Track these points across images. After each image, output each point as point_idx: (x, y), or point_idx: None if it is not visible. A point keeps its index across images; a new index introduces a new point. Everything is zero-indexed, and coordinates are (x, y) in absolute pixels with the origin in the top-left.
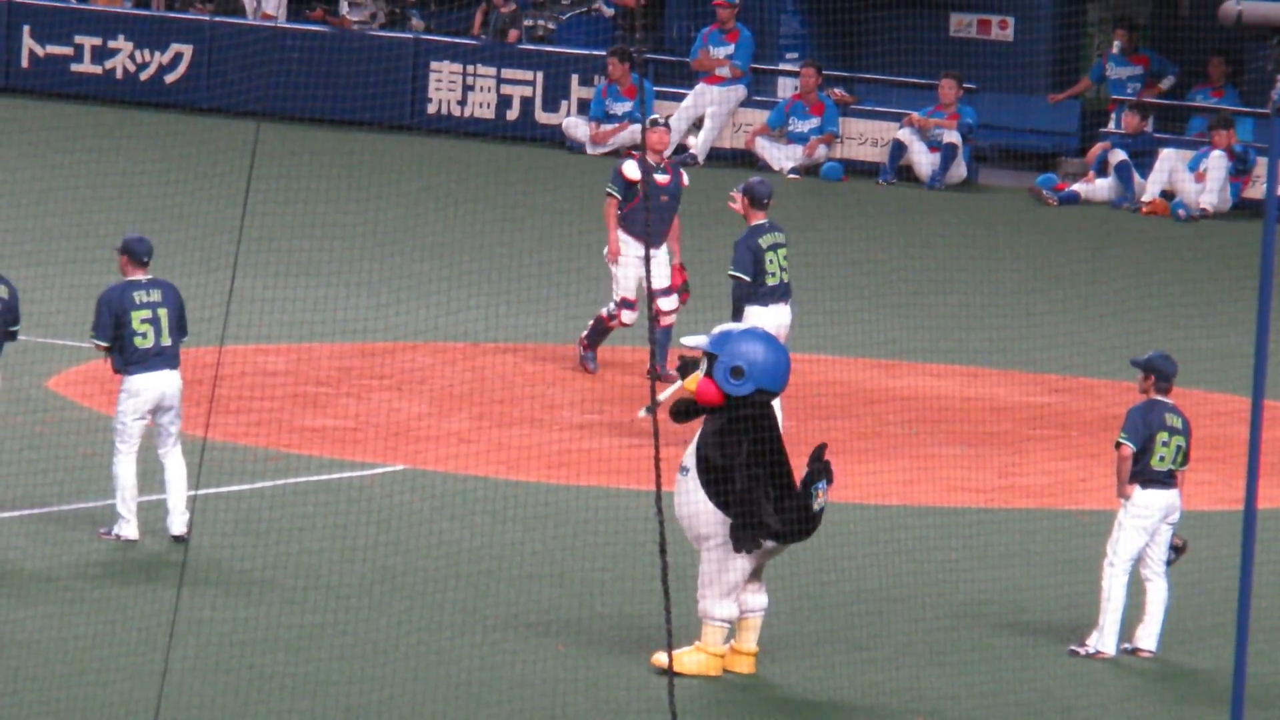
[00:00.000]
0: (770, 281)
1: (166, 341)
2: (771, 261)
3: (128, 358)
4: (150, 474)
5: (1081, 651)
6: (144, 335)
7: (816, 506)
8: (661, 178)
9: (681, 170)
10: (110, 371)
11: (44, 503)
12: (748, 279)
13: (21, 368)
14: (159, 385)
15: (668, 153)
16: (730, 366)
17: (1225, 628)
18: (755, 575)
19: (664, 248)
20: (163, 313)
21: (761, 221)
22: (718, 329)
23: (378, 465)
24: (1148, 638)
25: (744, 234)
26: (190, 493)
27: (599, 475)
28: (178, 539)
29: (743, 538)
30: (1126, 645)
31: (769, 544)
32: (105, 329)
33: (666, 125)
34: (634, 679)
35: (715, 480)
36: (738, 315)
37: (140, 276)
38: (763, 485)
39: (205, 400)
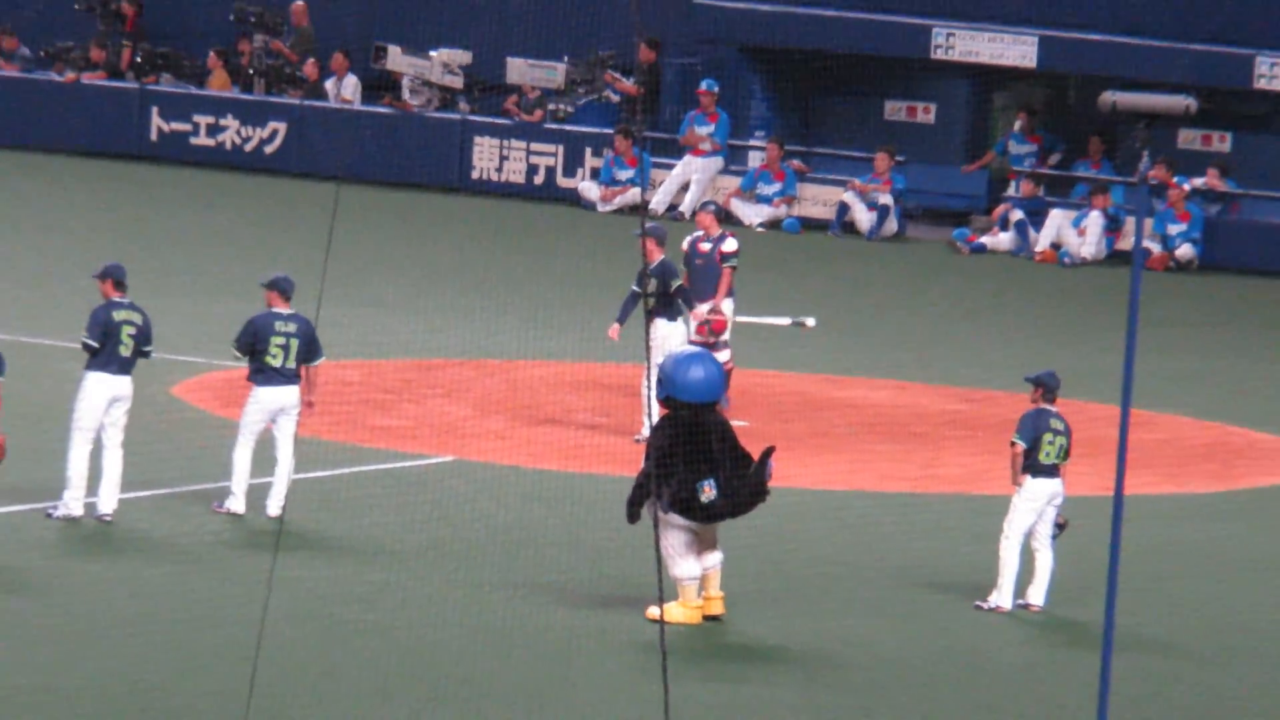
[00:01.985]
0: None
1: (291, 365)
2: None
3: (258, 369)
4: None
5: (985, 606)
6: (275, 356)
7: (704, 499)
8: (705, 246)
9: (727, 237)
10: (227, 379)
11: (168, 484)
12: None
13: (150, 378)
14: (279, 398)
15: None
16: (657, 379)
17: (1098, 588)
18: (710, 542)
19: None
20: (294, 342)
21: (663, 257)
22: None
23: (432, 456)
24: (1037, 595)
25: (657, 265)
26: (288, 480)
27: (606, 465)
28: (273, 516)
29: (627, 513)
30: (1020, 601)
31: (683, 521)
32: (243, 344)
33: (714, 209)
34: (633, 626)
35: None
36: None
37: (283, 309)
38: (673, 474)
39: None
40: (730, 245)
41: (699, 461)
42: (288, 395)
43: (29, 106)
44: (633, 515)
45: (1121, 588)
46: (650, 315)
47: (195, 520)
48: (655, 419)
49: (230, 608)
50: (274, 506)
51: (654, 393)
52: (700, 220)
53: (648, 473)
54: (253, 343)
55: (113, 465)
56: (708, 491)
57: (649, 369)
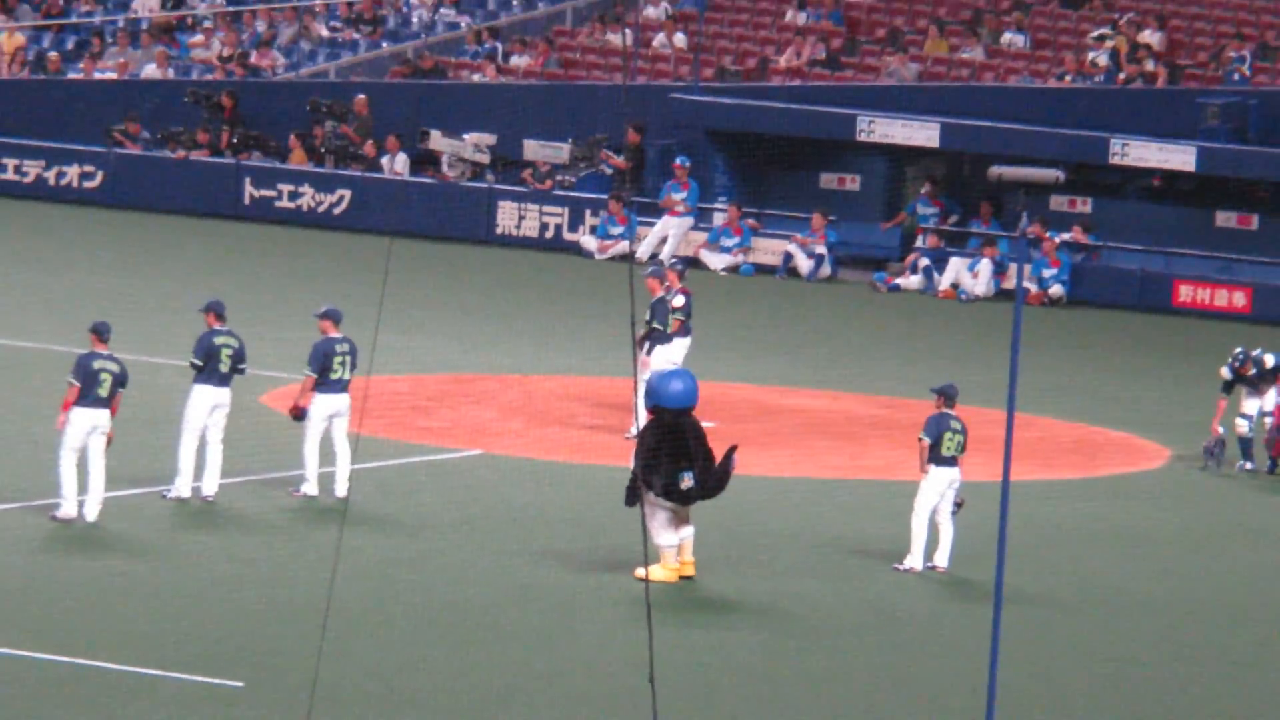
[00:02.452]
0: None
1: (347, 376)
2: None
3: (321, 382)
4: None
5: (900, 568)
6: (336, 370)
7: (683, 486)
8: (666, 297)
9: (679, 293)
10: (302, 391)
11: (257, 472)
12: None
13: (244, 389)
14: (335, 403)
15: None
16: (645, 391)
17: (990, 554)
18: (684, 519)
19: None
20: (348, 358)
21: (663, 294)
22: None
23: (464, 450)
24: (942, 559)
25: (657, 299)
26: (348, 468)
27: (604, 457)
28: (340, 498)
29: (626, 496)
30: (929, 564)
31: (667, 504)
32: (316, 364)
33: (679, 268)
34: (624, 584)
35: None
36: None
37: (335, 334)
38: (659, 467)
39: (358, 410)
40: (678, 301)
41: (679, 457)
42: (342, 401)
43: (148, 178)
44: (631, 500)
45: (1008, 554)
46: (642, 340)
47: (277, 501)
48: (643, 422)
49: (306, 570)
50: (341, 488)
51: (642, 400)
52: (668, 275)
53: (642, 467)
54: (323, 361)
55: (214, 457)
56: (686, 482)
57: (637, 382)
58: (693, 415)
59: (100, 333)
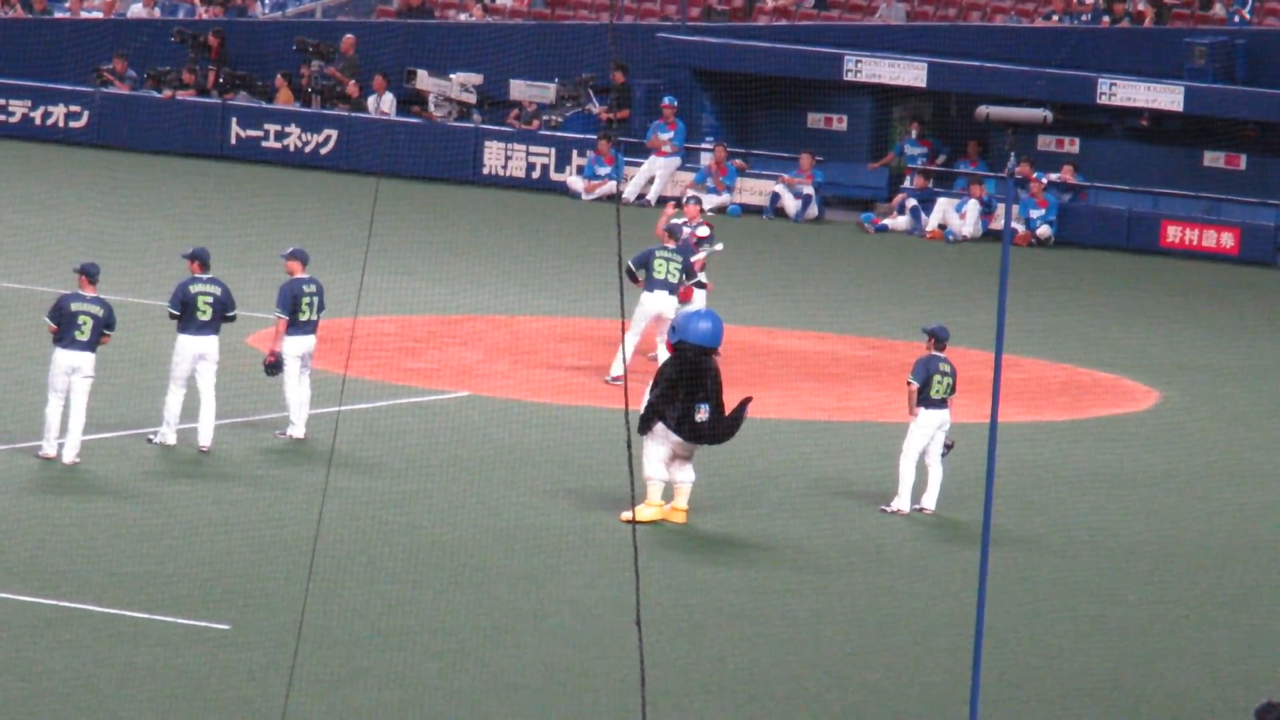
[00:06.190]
0: (656, 276)
1: (314, 318)
2: (659, 266)
3: (291, 324)
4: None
5: (888, 509)
6: (304, 312)
7: (698, 418)
8: (686, 230)
9: (700, 229)
10: (276, 335)
11: (244, 414)
12: (635, 269)
13: (231, 331)
14: (306, 344)
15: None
16: (670, 327)
17: (977, 496)
18: (686, 459)
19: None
20: (315, 300)
21: (667, 245)
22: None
23: (451, 392)
24: (929, 501)
25: (649, 249)
26: (335, 409)
27: (589, 399)
28: (297, 439)
29: (640, 425)
30: (916, 506)
31: (675, 438)
32: (285, 305)
33: (697, 200)
34: (610, 525)
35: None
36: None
37: (303, 275)
38: (675, 399)
39: (345, 351)
40: (703, 231)
41: (697, 391)
42: (310, 342)
43: (135, 117)
44: (644, 429)
45: (996, 496)
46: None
47: (264, 443)
48: (629, 361)
49: (293, 512)
50: (298, 431)
51: (628, 341)
52: (689, 211)
53: (658, 396)
54: (292, 303)
55: (207, 408)
56: (702, 413)
57: (626, 323)
58: (714, 359)
59: (89, 274)
